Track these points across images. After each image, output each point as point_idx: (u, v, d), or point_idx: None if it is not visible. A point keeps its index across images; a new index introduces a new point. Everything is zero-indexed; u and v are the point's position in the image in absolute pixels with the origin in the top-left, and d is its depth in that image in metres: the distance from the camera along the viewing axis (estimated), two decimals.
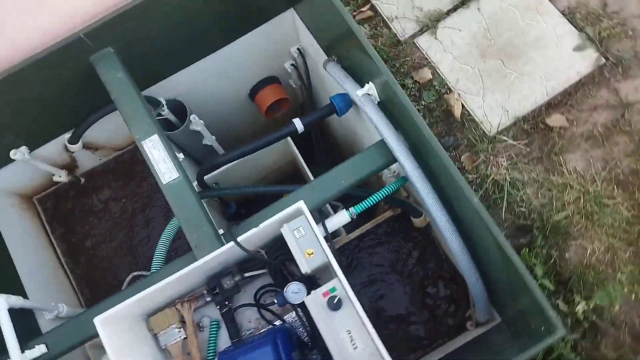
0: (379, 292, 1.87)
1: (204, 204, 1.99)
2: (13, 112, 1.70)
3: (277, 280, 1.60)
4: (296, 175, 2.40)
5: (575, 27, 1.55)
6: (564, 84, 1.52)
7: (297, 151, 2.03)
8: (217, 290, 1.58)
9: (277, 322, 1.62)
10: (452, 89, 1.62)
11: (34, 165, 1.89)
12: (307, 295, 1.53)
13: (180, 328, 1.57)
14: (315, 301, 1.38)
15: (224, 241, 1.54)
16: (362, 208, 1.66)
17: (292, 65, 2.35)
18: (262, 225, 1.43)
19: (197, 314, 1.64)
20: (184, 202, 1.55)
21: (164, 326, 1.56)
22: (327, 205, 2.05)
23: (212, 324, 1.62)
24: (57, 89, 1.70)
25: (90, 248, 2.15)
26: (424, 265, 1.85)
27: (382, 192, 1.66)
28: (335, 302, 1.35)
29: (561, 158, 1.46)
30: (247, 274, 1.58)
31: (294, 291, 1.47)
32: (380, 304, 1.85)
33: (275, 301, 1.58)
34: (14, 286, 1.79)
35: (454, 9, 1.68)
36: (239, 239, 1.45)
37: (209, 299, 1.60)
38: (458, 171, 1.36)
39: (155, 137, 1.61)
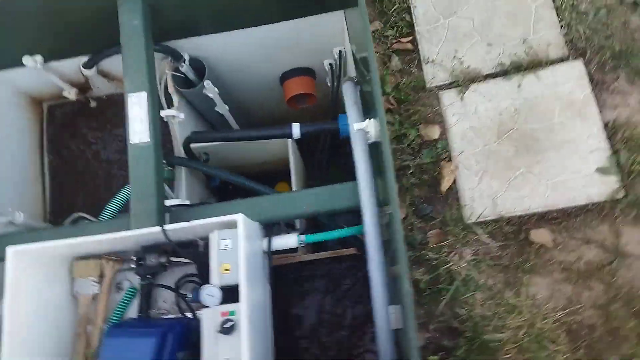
0: (307, 322, 1.79)
1: (186, 174, 1.99)
2: (33, 21, 1.72)
3: (201, 276, 1.56)
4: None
5: (610, 145, 1.32)
6: (568, 202, 1.31)
7: (291, 155, 1.95)
8: (142, 262, 1.57)
9: (189, 314, 1.59)
10: (452, 158, 1.47)
11: (45, 75, 1.94)
12: (220, 303, 1.49)
13: (97, 283, 1.58)
14: (211, 316, 1.33)
15: (165, 220, 1.51)
16: (313, 240, 1.57)
17: (330, 65, 2.24)
18: (192, 222, 1.38)
19: (121, 273, 1.64)
20: (143, 168, 1.52)
21: (82, 274, 1.57)
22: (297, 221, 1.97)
23: (129, 290, 1.61)
24: (80, 14, 1.70)
25: (77, 171, 2.21)
26: (357, 316, 1.74)
27: (339, 233, 1.56)
28: (228, 326, 1.29)
29: (527, 278, 1.27)
30: (173, 259, 1.55)
31: (209, 294, 1.42)
32: (299, 333, 1.78)
33: (190, 295, 1.55)
34: None
35: (494, 75, 1.50)
36: (172, 226, 1.42)
37: (134, 266, 1.60)
38: (404, 249, 1.24)
39: (144, 95, 1.59)
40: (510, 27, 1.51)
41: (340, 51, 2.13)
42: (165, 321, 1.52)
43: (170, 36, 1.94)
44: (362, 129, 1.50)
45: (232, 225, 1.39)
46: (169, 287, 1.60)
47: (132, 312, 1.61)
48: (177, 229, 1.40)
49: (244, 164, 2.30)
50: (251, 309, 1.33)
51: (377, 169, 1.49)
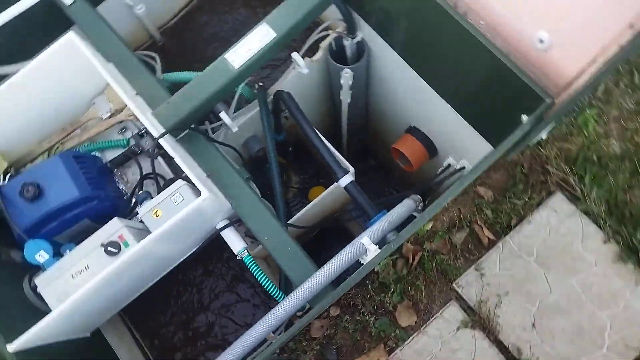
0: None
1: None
2: None
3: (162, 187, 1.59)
4: None
5: None
6: None
7: (325, 196, 1.86)
8: (142, 135, 1.64)
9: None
10: (393, 352, 1.30)
11: None
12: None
13: (111, 113, 1.67)
14: (111, 228, 1.36)
15: (179, 133, 1.52)
16: (248, 265, 1.52)
17: (449, 165, 2.03)
18: (176, 158, 1.36)
19: (130, 123, 1.72)
20: (208, 81, 1.51)
21: (109, 97, 1.67)
22: None
23: (122, 140, 1.69)
24: None
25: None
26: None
27: (267, 284, 1.50)
28: (110, 249, 1.32)
29: None
30: (159, 155, 1.59)
31: (146, 206, 1.44)
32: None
33: (141, 192, 1.61)
34: None
35: (500, 346, 1.25)
36: (163, 143, 1.43)
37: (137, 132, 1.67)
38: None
39: (272, 35, 1.53)
40: (566, 344, 1.23)
41: (464, 167, 1.90)
42: (109, 191, 1.58)
43: (362, 12, 1.82)
44: (364, 245, 1.37)
45: (197, 192, 1.37)
46: (140, 170, 1.65)
47: (109, 155, 1.70)
48: (166, 148, 1.40)
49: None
50: (141, 258, 1.34)
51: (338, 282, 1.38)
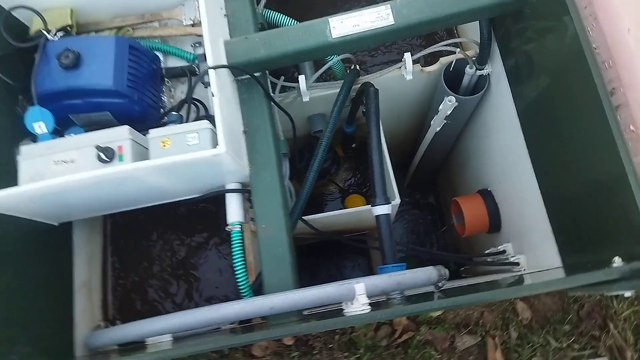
0: None
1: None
2: None
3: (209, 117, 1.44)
4: None
5: None
6: None
7: (362, 217, 1.63)
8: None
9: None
10: None
11: None
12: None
13: (194, 22, 1.53)
14: (116, 136, 1.22)
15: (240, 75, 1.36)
16: (233, 241, 1.35)
17: (502, 251, 1.73)
18: (217, 96, 1.19)
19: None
20: (297, 35, 1.33)
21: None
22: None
23: (186, 53, 1.55)
24: None
25: None
26: None
27: (240, 268, 1.32)
28: (104, 156, 1.18)
29: None
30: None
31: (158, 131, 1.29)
32: None
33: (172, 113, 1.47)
34: None
35: None
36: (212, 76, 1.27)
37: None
38: None
39: (390, 22, 1.30)
40: None
41: (518, 263, 1.60)
42: (146, 96, 1.44)
43: (503, 46, 1.53)
44: (354, 292, 1.14)
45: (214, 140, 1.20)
46: (188, 91, 1.51)
47: (169, 62, 1.58)
48: (211, 81, 1.23)
49: None
50: (129, 180, 1.20)
51: None
